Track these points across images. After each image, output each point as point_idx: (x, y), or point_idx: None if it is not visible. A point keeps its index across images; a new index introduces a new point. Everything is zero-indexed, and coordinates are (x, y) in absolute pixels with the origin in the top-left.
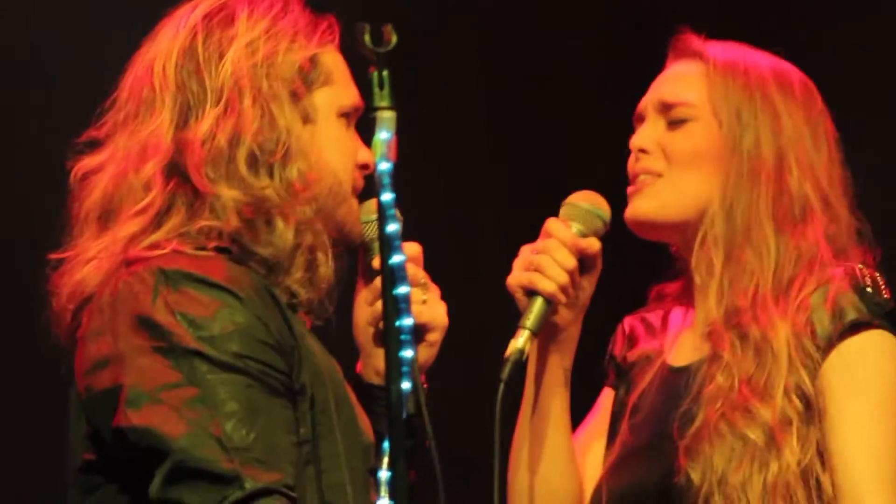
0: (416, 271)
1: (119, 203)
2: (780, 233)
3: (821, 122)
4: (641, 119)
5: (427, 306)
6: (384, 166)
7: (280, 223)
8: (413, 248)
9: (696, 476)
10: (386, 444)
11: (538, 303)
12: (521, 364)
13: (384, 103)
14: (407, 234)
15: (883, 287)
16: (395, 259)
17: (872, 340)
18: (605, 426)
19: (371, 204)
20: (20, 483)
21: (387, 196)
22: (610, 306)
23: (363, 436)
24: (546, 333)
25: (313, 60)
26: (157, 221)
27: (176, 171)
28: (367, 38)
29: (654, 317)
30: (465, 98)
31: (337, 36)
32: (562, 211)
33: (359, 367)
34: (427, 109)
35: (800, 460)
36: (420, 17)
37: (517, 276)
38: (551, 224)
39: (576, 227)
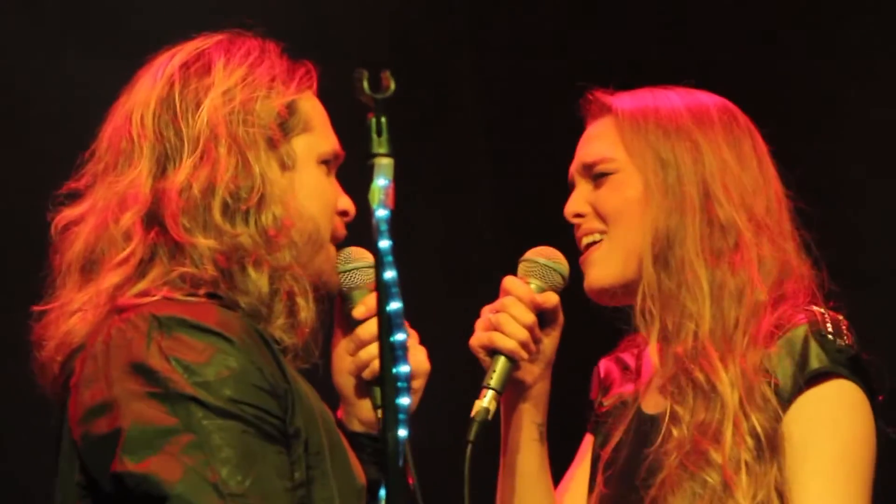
0: None
1: (101, 254)
2: (715, 269)
3: (745, 140)
4: (572, 186)
5: (410, 353)
6: (382, 213)
7: (252, 271)
8: None
9: None
10: (382, 493)
11: (500, 361)
12: (487, 424)
13: (382, 150)
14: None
15: (845, 331)
16: (393, 306)
17: (832, 392)
18: (587, 473)
19: (349, 252)
20: None
21: (384, 243)
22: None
23: (356, 479)
24: (515, 391)
25: (290, 107)
26: (141, 271)
27: (155, 220)
28: (365, 84)
29: (629, 356)
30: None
31: (315, 82)
32: (520, 268)
33: (339, 414)
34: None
35: (752, 500)
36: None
37: (478, 337)
38: (508, 282)
39: (534, 284)
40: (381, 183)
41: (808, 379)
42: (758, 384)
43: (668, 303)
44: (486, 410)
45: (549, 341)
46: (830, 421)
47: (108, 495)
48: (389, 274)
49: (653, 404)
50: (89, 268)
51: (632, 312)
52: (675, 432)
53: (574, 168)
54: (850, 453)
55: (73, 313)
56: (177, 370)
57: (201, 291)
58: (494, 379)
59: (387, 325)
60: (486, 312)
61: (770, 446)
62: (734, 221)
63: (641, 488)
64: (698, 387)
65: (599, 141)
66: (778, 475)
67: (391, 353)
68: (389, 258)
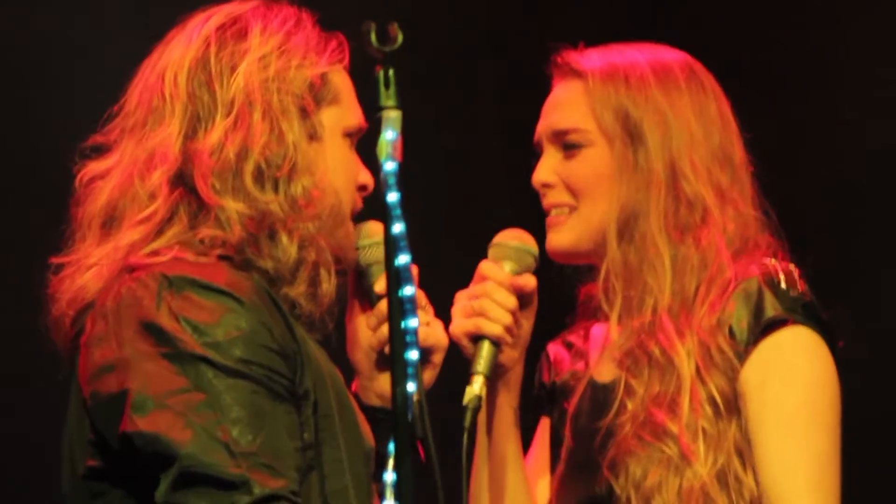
0: (416, 293)
1: (123, 210)
2: (679, 244)
3: (710, 104)
4: (540, 148)
5: (431, 328)
6: (390, 166)
7: (284, 238)
8: None
9: (616, 486)
10: (391, 447)
11: (486, 346)
12: (479, 410)
13: (390, 103)
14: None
15: (798, 278)
16: (402, 259)
17: (787, 338)
18: (546, 456)
19: (367, 227)
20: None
21: (392, 196)
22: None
23: (365, 441)
24: (493, 376)
25: (323, 78)
26: (160, 230)
27: (181, 180)
28: (373, 36)
29: (576, 337)
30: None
31: (346, 55)
32: (491, 252)
33: (354, 387)
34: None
35: (712, 466)
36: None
37: (461, 324)
38: (485, 267)
39: (508, 266)
40: (390, 136)
41: (763, 328)
42: (714, 343)
43: (631, 278)
44: (479, 398)
45: (526, 324)
46: (787, 368)
47: (117, 454)
48: (398, 227)
49: (606, 373)
50: (110, 223)
51: (593, 277)
52: (629, 404)
53: (542, 132)
54: (810, 399)
55: (88, 268)
56: (186, 330)
57: (213, 253)
58: (483, 364)
59: (396, 279)
60: (464, 299)
61: (728, 408)
62: (701, 197)
63: (598, 455)
64: (654, 360)
65: (570, 108)
66: (737, 433)
67: (401, 308)
68: (398, 211)
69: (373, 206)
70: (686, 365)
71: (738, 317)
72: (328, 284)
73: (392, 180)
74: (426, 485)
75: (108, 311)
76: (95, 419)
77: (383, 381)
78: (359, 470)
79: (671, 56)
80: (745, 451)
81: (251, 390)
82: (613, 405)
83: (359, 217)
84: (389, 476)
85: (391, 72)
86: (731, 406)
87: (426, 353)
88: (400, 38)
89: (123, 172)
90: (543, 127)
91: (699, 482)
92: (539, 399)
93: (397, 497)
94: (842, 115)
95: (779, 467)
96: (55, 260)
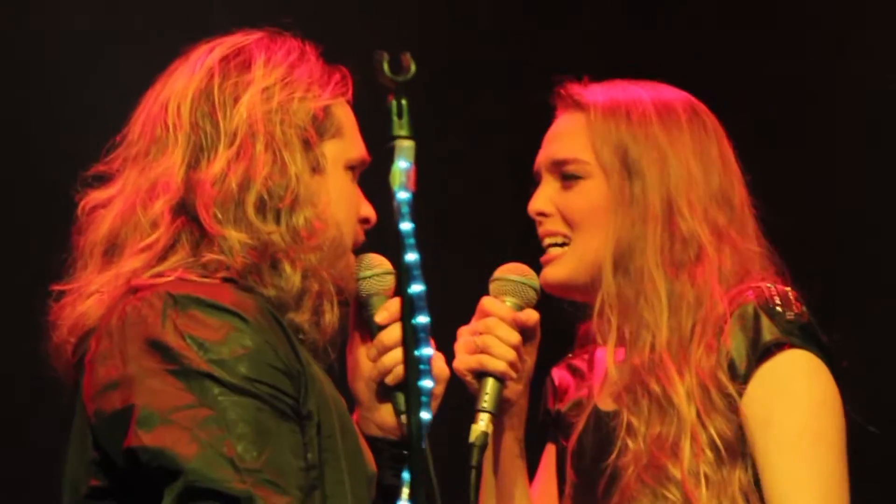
0: None
1: (125, 239)
2: (674, 280)
3: (711, 145)
4: (539, 177)
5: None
6: (403, 195)
7: (287, 267)
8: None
9: None
10: (406, 475)
11: (490, 383)
12: (486, 447)
13: (403, 132)
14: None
15: (794, 301)
16: (415, 288)
17: (785, 362)
18: (554, 482)
19: (367, 259)
20: None
21: (406, 225)
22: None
23: (367, 466)
24: (498, 411)
25: (326, 111)
26: (162, 256)
27: (184, 210)
28: (385, 66)
29: (580, 362)
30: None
31: (349, 88)
32: (492, 287)
33: (355, 418)
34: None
35: None
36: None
37: (465, 360)
38: (487, 302)
39: (510, 301)
40: (403, 165)
41: (760, 354)
42: (714, 385)
43: (626, 311)
44: (485, 434)
45: (529, 358)
46: (787, 392)
47: (122, 472)
48: (412, 256)
49: (609, 402)
50: (112, 251)
51: (589, 313)
52: (630, 444)
53: (542, 161)
54: (813, 421)
55: (90, 295)
56: (192, 347)
57: (217, 275)
58: (489, 402)
59: (409, 307)
60: (466, 335)
61: (730, 453)
62: (696, 234)
63: (602, 500)
64: (654, 399)
65: (571, 139)
66: (742, 478)
67: (413, 336)
68: (411, 240)
69: (386, 236)
70: (686, 408)
71: (737, 347)
72: (331, 315)
73: (406, 209)
74: None
75: (113, 330)
76: (100, 436)
77: (383, 412)
78: (360, 493)
79: (674, 95)
80: (751, 497)
81: (256, 407)
82: (616, 443)
83: (373, 246)
84: None
85: (404, 101)
86: (735, 450)
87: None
88: (413, 68)
89: (126, 201)
90: (543, 156)
91: None
92: (545, 426)
93: None
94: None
95: (787, 490)
96: (56, 287)
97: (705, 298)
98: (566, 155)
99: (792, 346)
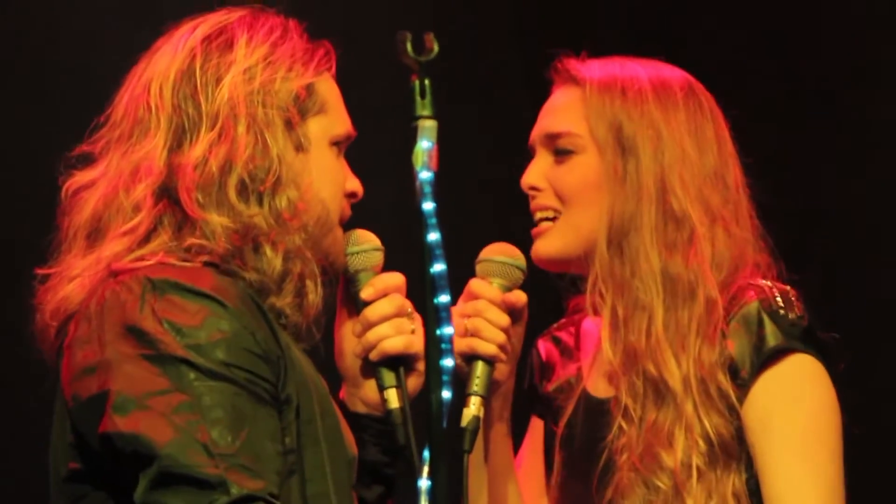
0: (402, 301)
1: (108, 222)
2: (669, 260)
3: (707, 126)
4: (533, 151)
5: (416, 336)
6: (425, 175)
7: (268, 250)
8: (397, 278)
9: None
10: (426, 454)
11: (480, 367)
12: (478, 431)
13: (426, 112)
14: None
15: (795, 302)
16: (437, 267)
17: (789, 368)
18: (540, 457)
19: (356, 235)
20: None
21: (428, 205)
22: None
23: (347, 449)
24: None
25: (309, 89)
26: (144, 239)
27: (166, 193)
28: (408, 46)
29: (566, 334)
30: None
31: (333, 63)
32: (479, 268)
33: (341, 394)
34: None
35: None
36: None
37: (455, 344)
38: (476, 285)
39: (497, 283)
40: (425, 145)
41: (764, 359)
42: (714, 382)
43: (620, 289)
44: (477, 419)
45: (517, 339)
46: (791, 398)
47: (97, 456)
48: (433, 236)
49: (601, 388)
50: (94, 235)
51: (582, 287)
52: (626, 428)
53: (536, 135)
54: (814, 426)
55: (72, 279)
56: (169, 332)
57: (199, 259)
58: (479, 385)
59: (431, 286)
60: (455, 317)
61: (725, 452)
62: (688, 214)
63: (595, 493)
64: (650, 383)
65: (565, 113)
66: (736, 482)
67: (435, 316)
68: (433, 220)
69: (408, 215)
70: (682, 395)
71: (740, 350)
72: (314, 295)
73: (428, 189)
74: (411, 490)
75: (91, 314)
76: (76, 420)
77: (368, 388)
78: (340, 476)
79: (672, 74)
80: (742, 501)
81: (233, 392)
82: (609, 430)
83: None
84: (424, 483)
85: (427, 81)
86: (730, 451)
87: (412, 362)
88: (436, 48)
89: (109, 184)
90: (537, 130)
91: None
92: (530, 399)
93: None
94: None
95: (787, 494)
96: (40, 271)
97: (699, 283)
98: (560, 128)
99: (795, 351)
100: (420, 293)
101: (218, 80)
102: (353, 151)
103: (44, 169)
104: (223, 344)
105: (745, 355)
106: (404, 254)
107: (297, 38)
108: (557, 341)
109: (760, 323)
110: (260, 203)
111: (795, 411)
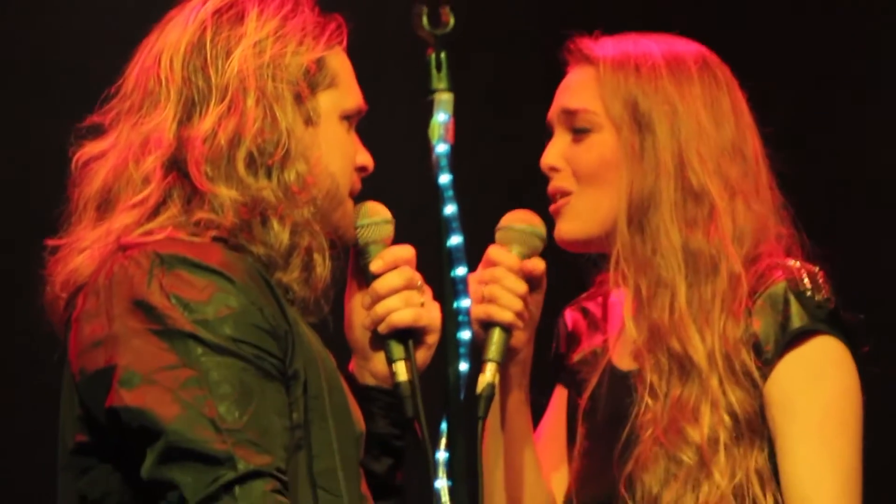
0: (412, 274)
1: (117, 194)
2: (689, 236)
3: (723, 98)
4: (551, 129)
5: (425, 309)
6: (442, 148)
7: (276, 224)
8: (407, 251)
9: (632, 502)
10: (444, 426)
11: (497, 333)
12: (493, 398)
13: (442, 85)
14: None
15: (822, 283)
16: (454, 240)
17: (814, 350)
18: (563, 426)
19: (366, 207)
20: (15, 466)
21: (444, 178)
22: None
23: (355, 425)
24: (504, 360)
25: (319, 63)
26: (153, 212)
27: (175, 165)
28: (424, 19)
29: (594, 305)
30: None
31: (345, 37)
32: (498, 235)
33: (351, 366)
34: None
35: (730, 480)
36: None
37: (472, 310)
38: (494, 252)
39: (516, 250)
40: (442, 118)
41: (789, 340)
42: (738, 358)
43: (643, 267)
44: (492, 385)
45: (535, 307)
46: (814, 379)
47: (104, 430)
48: (450, 209)
49: (626, 361)
50: (104, 207)
51: (605, 266)
52: (651, 404)
53: (553, 113)
54: (836, 409)
55: (81, 251)
56: (176, 307)
57: (208, 234)
58: (495, 352)
59: (448, 259)
60: (473, 283)
61: (749, 428)
62: (707, 189)
63: (617, 465)
64: (675, 358)
65: (580, 91)
66: (759, 458)
67: (452, 289)
68: (450, 193)
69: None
70: (708, 370)
71: (765, 329)
72: (322, 269)
73: (444, 162)
74: (422, 462)
75: (99, 288)
76: (83, 394)
77: (377, 361)
78: (348, 452)
79: (685, 48)
80: (765, 476)
81: (240, 368)
82: (633, 405)
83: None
84: (442, 455)
85: (443, 55)
86: (754, 428)
87: (420, 334)
88: (452, 21)
89: (119, 156)
90: (554, 109)
91: (715, 498)
92: (555, 368)
93: (450, 476)
94: None
95: (806, 477)
96: (51, 242)
97: (721, 258)
98: (576, 105)
99: (821, 332)
100: (437, 266)
101: (228, 54)
102: (374, 125)
103: (44, 169)
104: (231, 319)
105: (769, 334)
106: (425, 226)
107: (308, 12)
108: (585, 312)
109: (787, 303)
110: (269, 176)
111: (817, 393)
